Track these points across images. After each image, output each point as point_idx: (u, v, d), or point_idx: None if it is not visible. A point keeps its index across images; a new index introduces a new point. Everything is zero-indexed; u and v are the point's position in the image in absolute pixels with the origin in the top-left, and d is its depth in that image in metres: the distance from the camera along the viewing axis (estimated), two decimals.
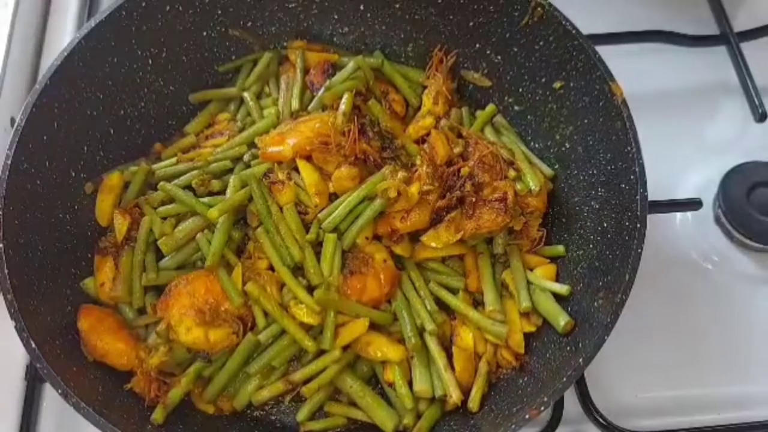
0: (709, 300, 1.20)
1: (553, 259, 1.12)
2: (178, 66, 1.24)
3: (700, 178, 1.29)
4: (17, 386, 1.13)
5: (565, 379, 0.90)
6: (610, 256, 1.00)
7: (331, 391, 1.07)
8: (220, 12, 1.23)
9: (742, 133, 1.35)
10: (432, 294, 1.09)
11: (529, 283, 1.09)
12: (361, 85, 1.18)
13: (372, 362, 1.07)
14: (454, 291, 1.10)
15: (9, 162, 1.01)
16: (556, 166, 1.17)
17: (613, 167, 1.04)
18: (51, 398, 1.13)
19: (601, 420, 1.08)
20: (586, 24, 1.11)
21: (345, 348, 1.05)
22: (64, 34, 1.44)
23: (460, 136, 1.17)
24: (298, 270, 1.07)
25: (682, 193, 1.26)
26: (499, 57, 1.22)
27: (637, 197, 0.98)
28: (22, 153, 1.03)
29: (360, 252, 1.08)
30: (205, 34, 1.24)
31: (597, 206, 1.08)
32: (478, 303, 1.11)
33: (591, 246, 1.07)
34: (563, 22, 1.09)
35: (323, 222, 1.07)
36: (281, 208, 1.08)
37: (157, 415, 1.00)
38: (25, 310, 0.95)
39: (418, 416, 1.04)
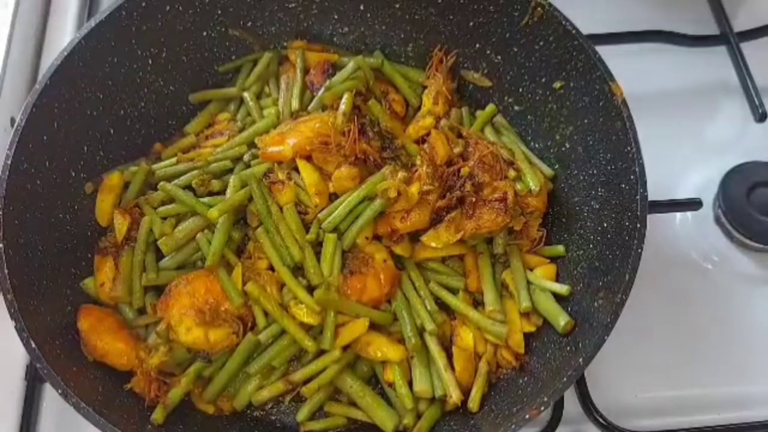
0: (709, 300, 1.20)
1: (553, 259, 1.12)
2: (178, 66, 1.24)
3: (700, 178, 1.29)
4: (17, 386, 1.13)
5: (565, 379, 0.90)
6: (610, 256, 1.00)
7: (331, 391, 1.07)
8: (220, 12, 1.23)
9: (742, 133, 1.35)
10: (432, 294, 1.09)
11: (529, 283, 1.09)
12: (361, 85, 1.18)
13: (372, 362, 1.07)
14: (454, 291, 1.10)
15: (9, 162, 1.01)
16: (556, 166, 1.17)
17: (613, 167, 1.04)
18: (51, 398, 1.13)
19: (601, 420, 1.08)
20: (586, 24, 1.11)
21: (345, 348, 1.05)
22: (64, 34, 1.44)
23: (460, 136, 1.17)
24: (298, 270, 1.07)
25: (682, 193, 1.26)
26: (499, 57, 1.22)
27: (637, 197, 0.98)
28: (22, 153, 1.03)
29: (360, 252, 1.08)
30: (205, 34, 1.24)
31: (597, 206, 1.08)
32: (478, 303, 1.11)
33: (591, 246, 1.07)
34: (563, 22, 1.09)
35: (323, 222, 1.07)
36: (281, 208, 1.08)
37: (157, 415, 1.00)
38: (25, 310, 0.95)
39: (418, 416, 1.04)
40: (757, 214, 1.20)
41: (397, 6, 1.25)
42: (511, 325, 1.06)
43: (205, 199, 1.11)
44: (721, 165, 1.25)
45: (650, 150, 1.02)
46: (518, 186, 1.10)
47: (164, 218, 1.11)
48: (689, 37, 1.40)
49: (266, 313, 1.06)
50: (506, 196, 1.07)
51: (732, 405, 1.12)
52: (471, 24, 1.21)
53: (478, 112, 1.24)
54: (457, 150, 1.13)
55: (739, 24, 1.41)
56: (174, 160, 1.18)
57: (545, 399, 0.90)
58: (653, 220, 1.04)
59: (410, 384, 1.05)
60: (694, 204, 1.19)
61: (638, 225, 0.96)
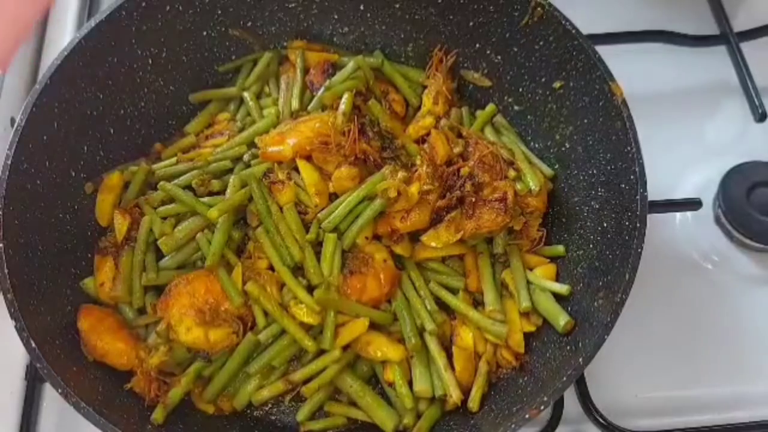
0: (709, 300, 1.20)
1: (553, 259, 1.12)
2: (178, 66, 1.24)
3: (700, 178, 1.29)
4: (17, 386, 1.13)
5: (565, 378, 0.90)
6: (610, 256, 1.00)
7: (331, 390, 1.07)
8: (220, 12, 1.23)
9: (742, 133, 1.35)
10: (432, 294, 1.09)
11: (529, 282, 1.09)
12: (361, 85, 1.18)
13: (372, 362, 1.07)
14: (454, 291, 1.10)
15: (9, 162, 1.01)
16: (556, 166, 1.17)
17: (613, 167, 1.04)
18: (51, 398, 1.13)
19: (601, 420, 1.08)
20: (586, 24, 1.11)
21: (345, 348, 1.05)
22: (64, 34, 1.44)
23: (460, 136, 1.17)
24: (298, 270, 1.07)
25: (682, 193, 1.26)
26: (499, 57, 1.22)
27: (637, 197, 0.98)
28: (22, 153, 1.02)
29: (360, 252, 1.08)
30: (205, 34, 1.24)
31: (597, 206, 1.08)
32: (478, 303, 1.11)
33: (591, 246, 1.07)
34: (563, 22, 1.09)
35: (323, 222, 1.07)
36: (281, 208, 1.08)
37: (157, 415, 1.00)
38: (25, 310, 0.95)
39: (418, 416, 1.04)
40: (757, 214, 1.20)
41: (397, 6, 1.25)
42: (511, 325, 1.06)
43: (205, 199, 1.11)
44: (721, 165, 1.25)
45: (650, 150, 1.02)
46: (518, 186, 1.10)
47: (164, 218, 1.11)
48: (689, 37, 1.39)
49: (266, 313, 1.06)
50: (506, 196, 1.07)
51: (732, 405, 1.12)
52: (471, 24, 1.21)
53: (478, 112, 1.24)
54: (457, 150, 1.13)
55: (739, 24, 1.40)
56: (174, 160, 1.18)
57: (545, 399, 0.90)
58: (653, 220, 1.04)
59: (410, 384, 1.05)
60: (694, 204, 1.19)
61: (638, 225, 0.96)
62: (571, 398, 1.10)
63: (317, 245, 1.08)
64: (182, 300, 1.04)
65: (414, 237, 1.11)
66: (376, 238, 1.10)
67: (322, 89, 1.18)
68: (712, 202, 1.25)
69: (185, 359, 1.08)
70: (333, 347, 1.04)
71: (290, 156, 1.10)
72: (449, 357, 1.05)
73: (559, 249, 1.12)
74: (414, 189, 1.06)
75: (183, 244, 1.10)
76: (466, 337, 1.06)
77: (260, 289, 1.05)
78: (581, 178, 1.11)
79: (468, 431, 1.00)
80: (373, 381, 1.09)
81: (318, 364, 1.05)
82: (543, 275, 1.09)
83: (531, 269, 1.11)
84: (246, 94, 1.24)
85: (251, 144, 1.17)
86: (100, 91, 1.14)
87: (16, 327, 0.94)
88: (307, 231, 1.07)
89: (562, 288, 1.06)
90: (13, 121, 1.28)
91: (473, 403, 1.02)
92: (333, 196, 1.10)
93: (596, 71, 1.06)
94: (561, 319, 1.02)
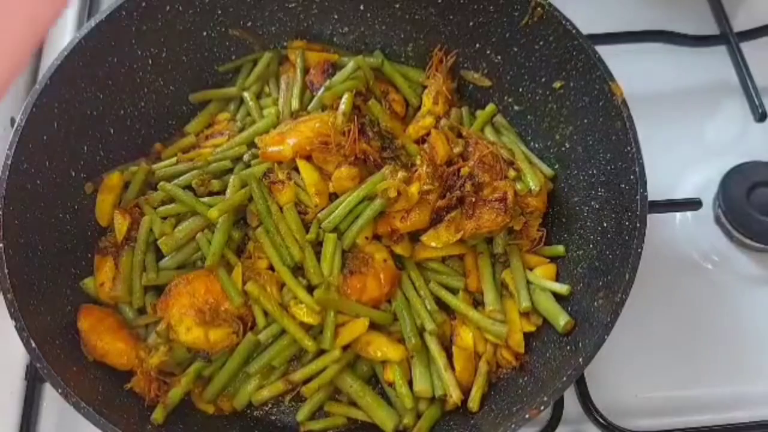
0: (709, 300, 1.20)
1: (553, 259, 1.12)
2: (178, 66, 1.24)
3: (700, 178, 1.29)
4: (17, 386, 1.13)
5: (565, 378, 0.90)
6: (610, 256, 1.00)
7: (331, 390, 1.07)
8: (220, 12, 1.23)
9: (742, 133, 1.35)
10: (432, 294, 1.09)
11: (529, 282, 1.09)
12: (361, 85, 1.18)
13: (372, 362, 1.07)
14: (454, 291, 1.10)
15: (9, 162, 1.01)
16: (556, 166, 1.17)
17: (613, 167, 1.04)
18: (51, 398, 1.13)
19: (601, 420, 1.08)
20: (586, 24, 1.11)
21: (345, 348, 1.05)
22: (64, 34, 1.44)
23: (460, 136, 1.17)
24: (298, 270, 1.07)
25: (682, 193, 1.26)
26: (499, 57, 1.22)
27: (637, 197, 0.98)
28: (22, 153, 1.02)
29: (360, 252, 1.08)
30: (205, 34, 1.24)
31: (597, 206, 1.08)
32: (478, 303, 1.10)
33: (591, 246, 1.07)
34: (563, 22, 1.09)
35: (323, 222, 1.07)
36: (281, 208, 1.08)
37: (157, 415, 1.00)
38: (25, 310, 0.95)
39: (418, 416, 1.04)
40: (757, 214, 1.20)
41: (397, 6, 1.25)
42: (511, 325, 1.06)
43: (205, 199, 1.11)
44: (721, 165, 1.25)
45: (650, 150, 1.02)
46: (518, 186, 1.10)
47: (164, 218, 1.11)
48: (689, 37, 1.39)
49: (266, 313, 1.06)
50: (506, 196, 1.07)
51: (732, 405, 1.12)
52: (471, 24, 1.21)
53: (478, 112, 1.24)
54: (457, 150, 1.13)
55: (739, 24, 1.40)
56: (174, 160, 1.18)
57: (545, 398, 0.90)
58: (653, 220, 1.04)
59: (410, 384, 1.05)
60: (693, 204, 1.19)
61: (638, 225, 0.96)
62: (571, 398, 1.10)
63: (317, 245, 1.08)
64: (182, 300, 1.04)
65: (414, 237, 1.10)
66: (376, 238, 1.10)
67: (322, 89, 1.18)
68: (712, 202, 1.25)
69: (185, 359, 1.08)
70: (333, 347, 1.04)
71: (290, 156, 1.10)
72: (449, 357, 1.05)
73: (559, 249, 1.12)
74: (414, 189, 1.06)
75: (183, 244, 1.10)
76: (466, 337, 1.06)
77: (260, 289, 1.05)
78: (581, 178, 1.11)
79: (468, 431, 1.00)
80: (373, 381, 1.09)
81: (318, 364, 1.05)
82: (543, 275, 1.09)
83: (531, 269, 1.11)
84: (246, 94, 1.24)
85: (251, 144, 1.16)
86: (100, 91, 1.14)
87: (16, 327, 0.93)
88: (307, 231, 1.07)
89: (562, 288, 1.06)
90: (13, 121, 1.28)
91: (473, 403, 1.02)
92: (333, 196, 1.10)
93: (596, 71, 1.06)
94: (561, 319, 1.02)
